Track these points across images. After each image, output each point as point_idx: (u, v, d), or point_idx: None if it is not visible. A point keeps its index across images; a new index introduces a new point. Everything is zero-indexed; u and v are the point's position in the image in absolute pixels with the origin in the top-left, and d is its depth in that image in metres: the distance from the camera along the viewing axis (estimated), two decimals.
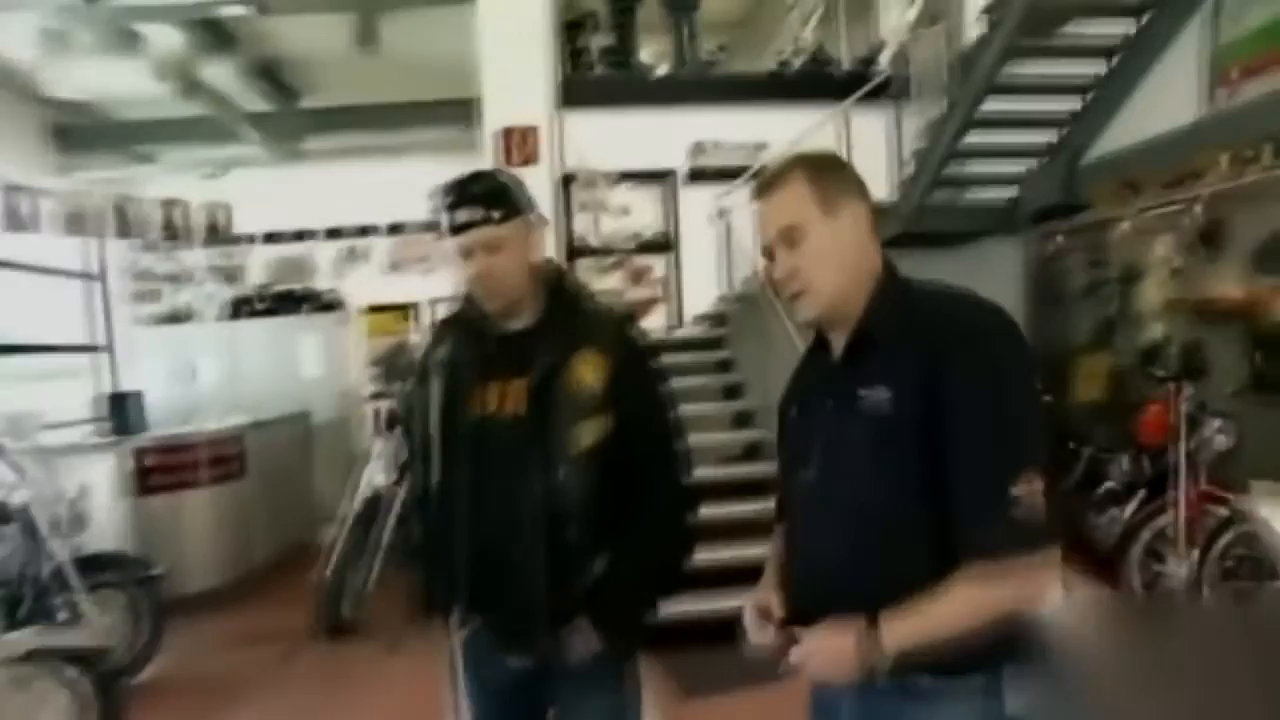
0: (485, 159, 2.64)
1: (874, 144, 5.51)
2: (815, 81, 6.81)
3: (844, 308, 1.13)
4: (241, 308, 6.64)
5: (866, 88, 5.66)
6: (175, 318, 6.73)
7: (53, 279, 6.11)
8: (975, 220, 5.55)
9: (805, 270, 1.11)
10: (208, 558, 4.77)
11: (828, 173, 1.14)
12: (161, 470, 4.55)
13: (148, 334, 6.67)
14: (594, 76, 6.98)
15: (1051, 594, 1.04)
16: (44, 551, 3.36)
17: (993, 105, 4.86)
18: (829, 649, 1.06)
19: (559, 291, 1.52)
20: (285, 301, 6.71)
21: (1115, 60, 4.72)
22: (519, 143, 2.57)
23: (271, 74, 5.90)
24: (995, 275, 5.41)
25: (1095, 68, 4.80)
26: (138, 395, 4.76)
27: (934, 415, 1.01)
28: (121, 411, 4.57)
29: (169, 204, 4.83)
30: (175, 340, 6.57)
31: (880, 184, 5.41)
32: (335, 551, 4.08)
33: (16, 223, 4.43)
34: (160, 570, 3.77)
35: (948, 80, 5.06)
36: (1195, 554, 3.01)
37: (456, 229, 1.42)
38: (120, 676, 3.26)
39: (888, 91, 5.79)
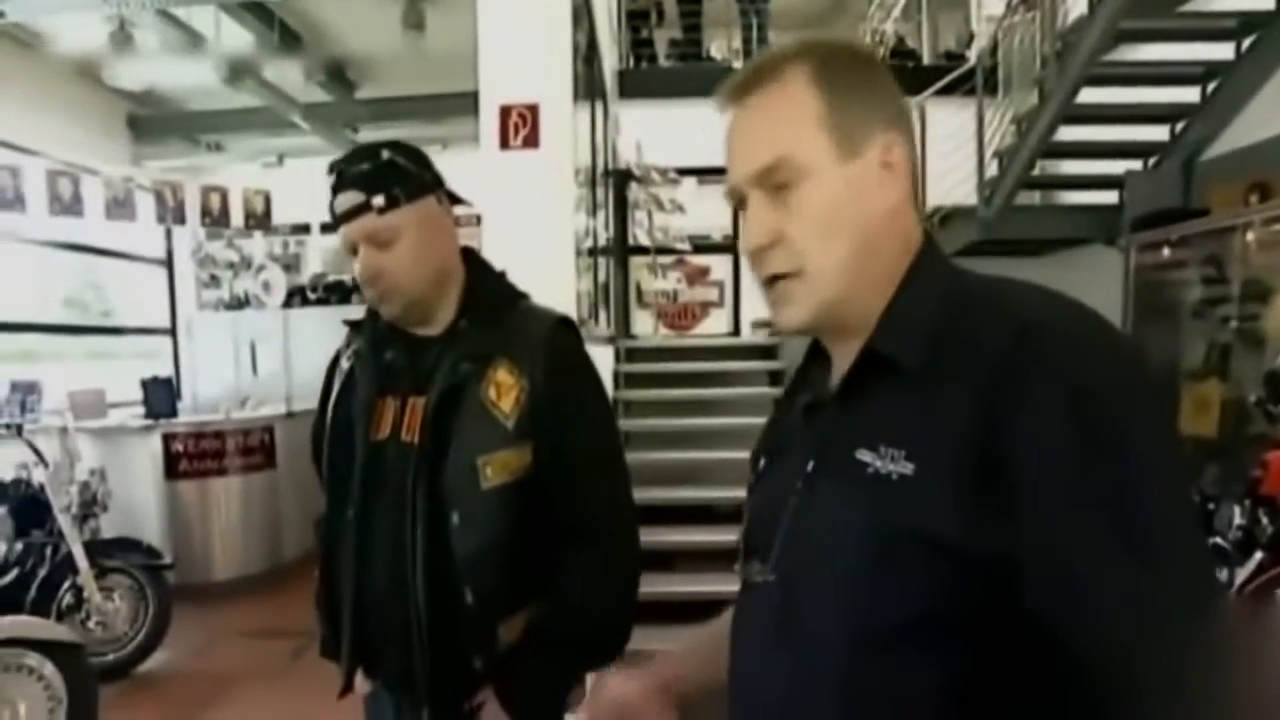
0: (485, 142, 2.37)
1: (955, 141, 5.00)
2: (894, 75, 6.33)
3: (851, 309, 0.68)
4: (296, 296, 6.70)
5: (946, 79, 5.16)
6: (236, 304, 6.85)
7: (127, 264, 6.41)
8: (1069, 226, 4.97)
9: (794, 237, 0.67)
10: (235, 547, 4.76)
11: (847, 69, 0.68)
12: (189, 456, 4.55)
13: (209, 319, 6.83)
14: (655, 68, 6.75)
15: None
16: (57, 534, 3.35)
17: (1093, 96, 4.30)
18: None
19: (481, 292, 1.22)
20: (338, 291, 6.73)
21: (1245, 43, 4.07)
22: (518, 123, 2.29)
23: (328, 66, 5.93)
24: (1091, 289, 4.66)
25: (1221, 52, 4.16)
26: (167, 380, 4.80)
27: (985, 517, 0.56)
28: (155, 395, 4.60)
29: (209, 190, 4.86)
30: (235, 326, 6.68)
31: (961, 185, 4.92)
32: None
33: (107, 210, 4.54)
34: (168, 560, 3.71)
35: (1041, 69, 4.52)
36: None
37: (336, 220, 1.14)
38: (102, 665, 3.22)
39: (972, 83, 5.27)
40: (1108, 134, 4.68)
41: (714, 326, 7.29)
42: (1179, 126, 4.48)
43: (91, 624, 3.46)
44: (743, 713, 0.76)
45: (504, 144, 2.36)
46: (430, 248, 1.16)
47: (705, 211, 6.61)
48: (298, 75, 5.67)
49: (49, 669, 2.61)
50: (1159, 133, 4.57)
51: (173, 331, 6.92)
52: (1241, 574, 2.94)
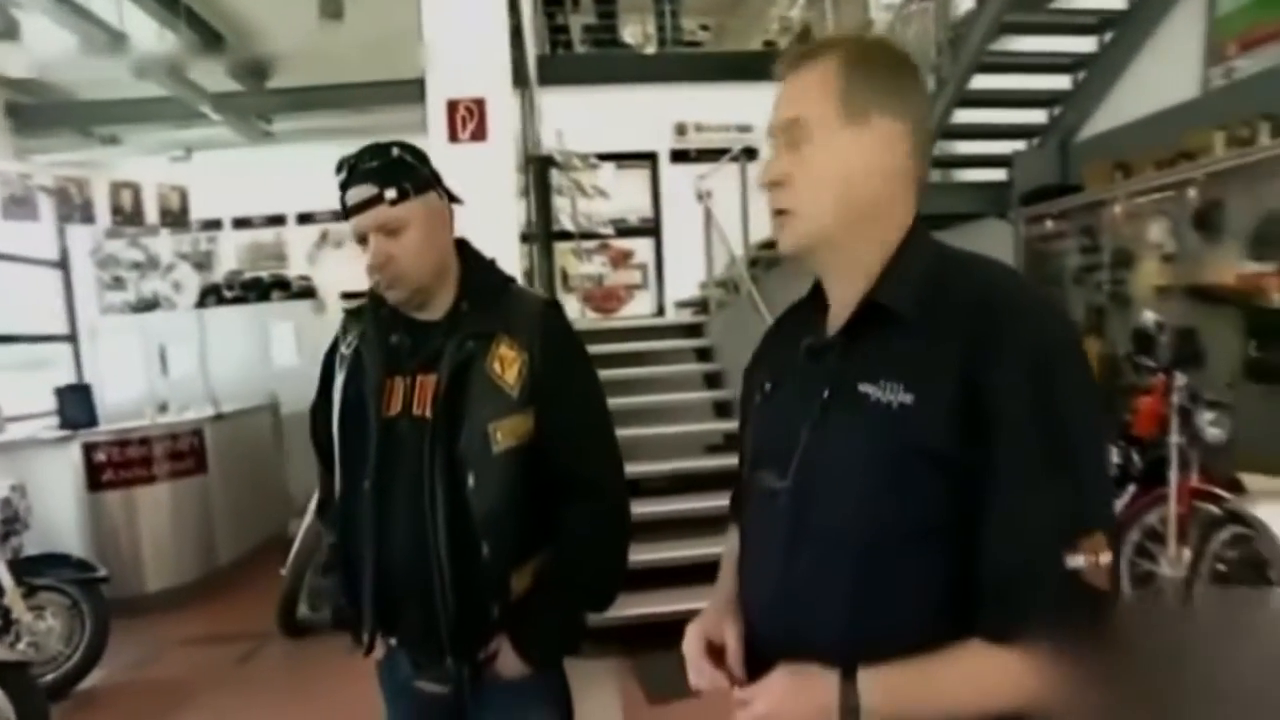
0: (434, 135, 2.43)
1: None
2: None
3: (838, 254, 0.85)
4: (210, 295, 6.44)
5: None
6: (144, 306, 6.51)
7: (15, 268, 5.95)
8: (965, 201, 5.38)
9: (797, 181, 0.83)
10: (167, 556, 4.60)
11: (872, 66, 0.83)
12: (113, 466, 4.37)
13: (115, 323, 6.47)
14: (573, 55, 6.79)
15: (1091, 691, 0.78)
16: None
17: (983, 83, 4.68)
18: (792, 710, 0.79)
19: (476, 279, 1.35)
20: (256, 288, 6.51)
21: (1109, 35, 4.54)
22: (465, 117, 2.37)
23: (240, 56, 5.67)
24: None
25: (1088, 44, 4.62)
26: (85, 388, 4.57)
27: (965, 435, 0.73)
28: (71, 404, 4.38)
29: (120, 187, 4.61)
30: (143, 329, 6.37)
31: None
32: (293, 549, 3.91)
33: (4, 209, 4.22)
34: (103, 572, 3.59)
35: (936, 57, 4.87)
36: (1187, 554, 2.86)
37: (348, 211, 1.25)
38: (52, 686, 3.11)
39: None
40: (996, 117, 5.10)
41: (639, 308, 7.46)
42: (1056, 111, 4.93)
43: (23, 645, 3.32)
44: (752, 602, 0.92)
45: (452, 137, 2.43)
46: (433, 238, 1.27)
47: (624, 196, 6.73)
48: (208, 64, 5.40)
49: None
50: (1040, 116, 5.02)
51: (72, 337, 6.52)
52: (1120, 503, 3.37)
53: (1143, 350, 3.52)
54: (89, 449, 4.32)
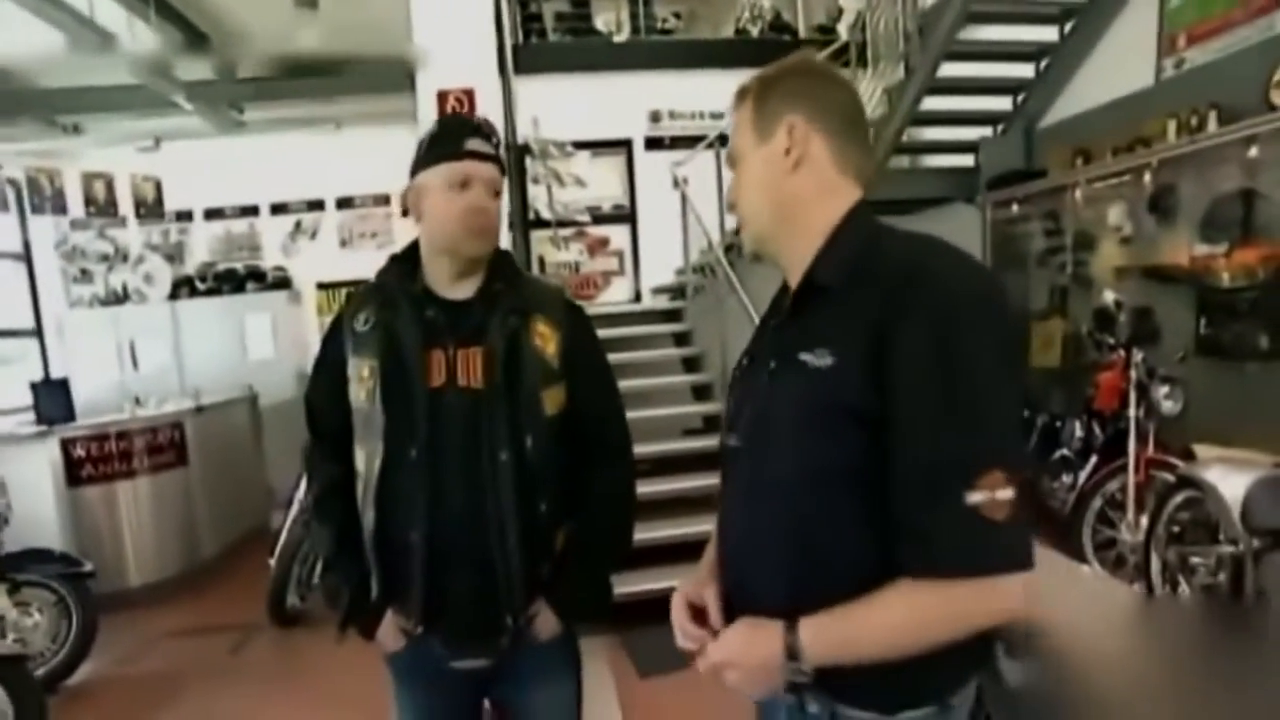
0: (421, 125, 2.46)
1: None
2: (772, 49, 6.65)
3: (784, 246, 0.99)
4: (183, 287, 6.34)
5: (823, 54, 5.55)
6: (114, 299, 6.39)
7: None
8: (934, 186, 5.52)
9: (739, 197, 1.03)
10: (150, 550, 4.58)
11: (776, 85, 0.99)
12: (92, 461, 4.33)
13: (84, 317, 6.34)
14: (547, 43, 6.77)
15: (1007, 620, 0.86)
16: None
17: (951, 71, 4.81)
18: (744, 657, 0.90)
19: (504, 263, 1.44)
20: (230, 280, 6.42)
21: (1069, 25, 4.69)
22: (455, 107, 2.41)
23: (205, 39, 5.56)
24: (954, 242, 5.40)
25: (1050, 34, 4.77)
26: (63, 382, 4.50)
27: (878, 390, 0.83)
28: (47, 400, 4.32)
29: (93, 177, 4.53)
30: (113, 323, 6.25)
31: None
32: (280, 540, 3.93)
33: None
34: (89, 567, 3.57)
35: (905, 46, 4.98)
36: (1145, 519, 3.03)
37: (469, 153, 1.32)
38: (42, 681, 3.11)
39: (846, 57, 5.70)
40: (963, 104, 5.23)
41: (617, 295, 7.50)
42: (1020, 98, 5.09)
43: (9, 641, 3.31)
44: (722, 547, 1.05)
45: None
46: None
47: (600, 183, 6.76)
48: (175, 50, 5.29)
49: None
50: (1005, 103, 5.17)
51: (38, 332, 6.38)
52: (1082, 475, 3.55)
53: (1103, 328, 3.69)
54: (67, 444, 4.27)
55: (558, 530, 1.38)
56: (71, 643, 3.52)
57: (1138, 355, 3.35)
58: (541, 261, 7.28)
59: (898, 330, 0.82)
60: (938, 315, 0.82)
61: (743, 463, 1.00)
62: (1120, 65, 4.41)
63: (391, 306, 1.36)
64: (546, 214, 6.71)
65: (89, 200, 4.53)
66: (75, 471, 4.29)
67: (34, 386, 4.38)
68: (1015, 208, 4.91)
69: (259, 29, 5.45)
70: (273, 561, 3.94)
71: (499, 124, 2.65)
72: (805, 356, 0.89)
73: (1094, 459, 3.55)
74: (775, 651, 0.87)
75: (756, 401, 0.98)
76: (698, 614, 1.03)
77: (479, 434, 1.30)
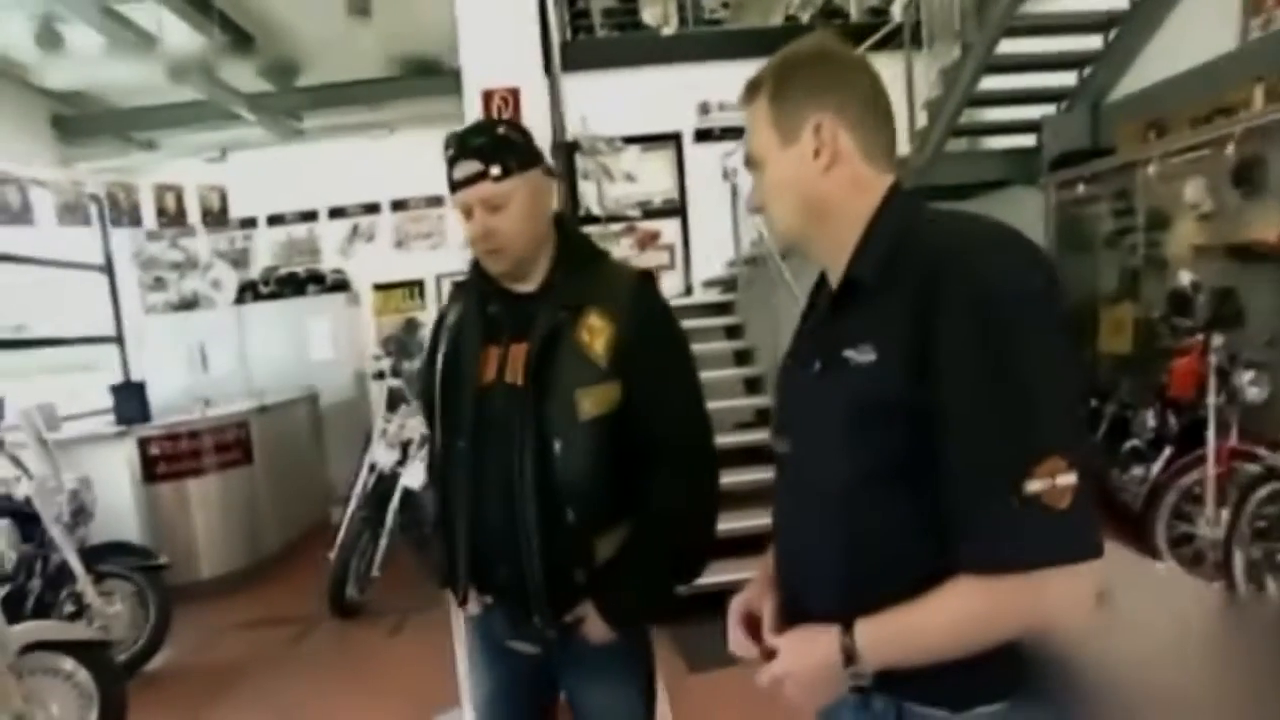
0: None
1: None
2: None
3: (821, 246, 0.94)
4: (248, 292, 6.61)
5: (875, 37, 5.40)
6: (185, 305, 6.72)
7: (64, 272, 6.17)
8: (994, 169, 5.32)
9: (766, 201, 0.97)
10: (218, 544, 4.78)
11: (791, 82, 0.92)
12: (166, 459, 4.55)
13: (158, 322, 6.68)
14: (595, 39, 6.79)
15: (1078, 613, 0.80)
16: (49, 544, 3.37)
17: (1010, 47, 4.61)
18: (800, 665, 0.88)
19: (570, 251, 1.39)
20: (291, 284, 6.66)
21: None
22: (500, 107, 2.42)
23: (265, 53, 5.78)
24: (1016, 225, 5.18)
25: (1118, 2, 4.51)
26: (140, 385, 4.75)
27: (923, 382, 0.78)
28: (125, 401, 4.57)
29: (164, 189, 4.77)
30: (185, 328, 6.57)
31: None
32: (340, 534, 4.05)
33: (14, 215, 4.40)
34: (165, 559, 3.76)
35: (962, 24, 4.80)
36: (1225, 514, 2.83)
37: (455, 185, 1.31)
38: (122, 667, 3.27)
39: (900, 38, 5.53)
40: (1024, 82, 5.01)
41: (668, 288, 7.41)
42: (1086, 72, 4.83)
43: (95, 629, 3.50)
44: (779, 554, 1.01)
45: None
46: (533, 212, 1.32)
47: (649, 177, 6.74)
48: (240, 67, 5.52)
49: (78, 669, 2.68)
50: (1069, 79, 4.93)
51: (118, 338, 6.74)
52: (1156, 466, 3.35)
53: (1179, 311, 3.47)
54: (143, 443, 4.50)
55: (600, 537, 1.31)
56: (149, 631, 3.70)
57: (1218, 339, 3.14)
58: None
59: (939, 317, 0.78)
60: (980, 299, 0.77)
61: (793, 467, 0.97)
62: (1199, 30, 4.14)
63: (466, 304, 1.40)
64: (597, 210, 6.74)
65: (161, 211, 4.77)
66: (151, 469, 4.52)
67: (113, 389, 4.63)
68: (1081, 188, 4.66)
69: (314, 38, 5.62)
70: (332, 556, 4.06)
71: (545, 123, 2.65)
72: (849, 353, 0.85)
73: (1168, 450, 3.34)
74: (832, 656, 0.84)
75: (803, 404, 0.95)
76: (754, 623, 1.00)
77: (512, 433, 1.28)
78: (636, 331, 1.29)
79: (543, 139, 2.66)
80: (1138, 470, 3.54)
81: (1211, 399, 3.05)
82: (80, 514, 3.59)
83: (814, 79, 0.92)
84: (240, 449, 4.93)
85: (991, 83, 4.84)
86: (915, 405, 0.79)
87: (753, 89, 0.96)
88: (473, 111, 2.43)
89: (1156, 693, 1.16)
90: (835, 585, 0.89)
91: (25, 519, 3.39)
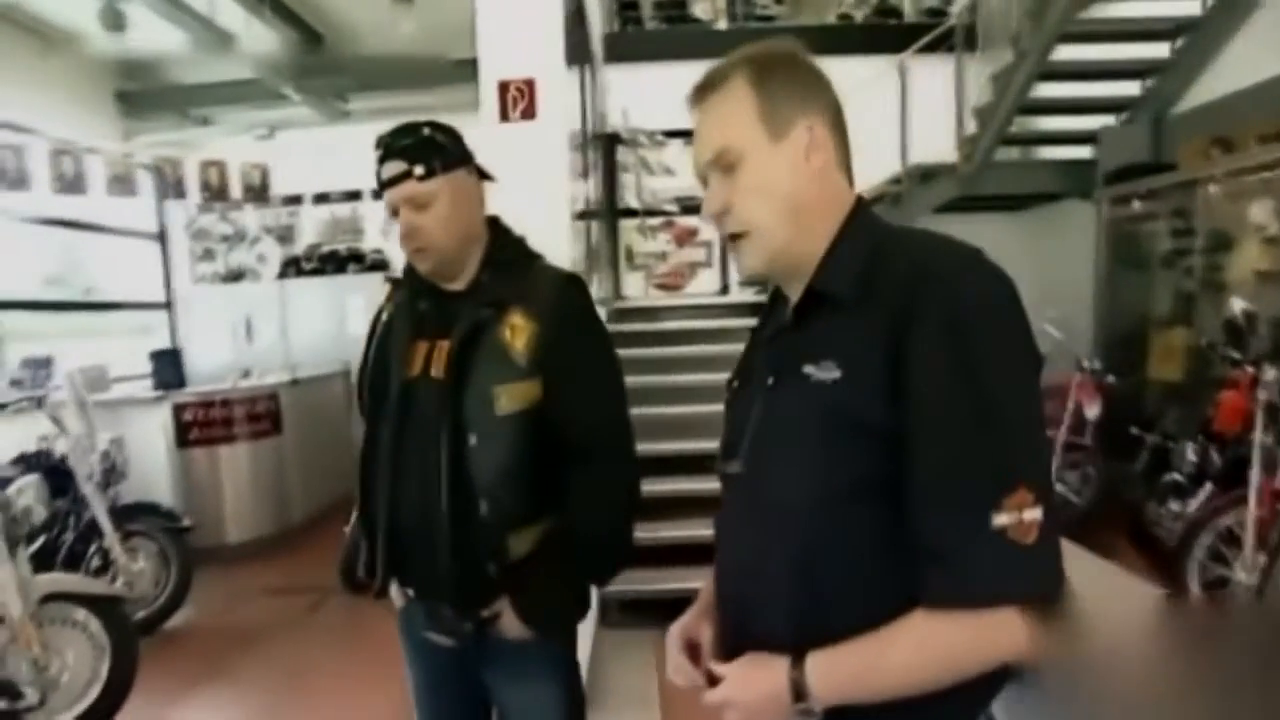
0: (485, 116, 2.49)
1: (936, 98, 5.09)
2: (876, 34, 6.38)
3: (795, 257, 0.87)
4: (291, 267, 6.77)
5: (926, 38, 5.24)
6: (232, 277, 6.92)
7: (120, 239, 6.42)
8: (1046, 180, 5.12)
9: (743, 207, 0.86)
10: (246, 510, 4.92)
11: (778, 76, 0.86)
12: (199, 425, 4.69)
13: (205, 292, 6.90)
14: (642, 31, 6.75)
15: (1034, 650, 0.77)
16: (81, 501, 3.51)
17: (1067, 54, 4.41)
18: (744, 696, 0.84)
19: (500, 251, 1.41)
20: (333, 261, 6.81)
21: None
22: (516, 97, 2.41)
23: (311, 32, 5.90)
24: (1066, 241, 4.99)
25: (1189, 8, 4.27)
26: (176, 352, 4.91)
27: (894, 406, 0.76)
28: (163, 367, 4.73)
29: (208, 165, 4.92)
30: (230, 299, 6.77)
31: (941, 142, 5.03)
32: (355, 508, 4.12)
33: (68, 184, 4.58)
34: (188, 522, 3.88)
35: (1017, 27, 4.61)
36: (1264, 557, 2.67)
37: (382, 185, 1.34)
38: (138, 623, 3.40)
39: (953, 40, 5.35)
40: (1082, 90, 4.79)
41: (704, 286, 7.41)
42: (1150, 82, 4.60)
43: (119, 584, 3.64)
44: (722, 577, 0.97)
45: (503, 117, 2.47)
46: (460, 212, 1.34)
47: (688, 172, 6.67)
48: (284, 45, 5.65)
49: (92, 621, 2.80)
50: (1131, 88, 4.70)
51: (168, 305, 6.99)
52: (1194, 503, 3.18)
53: (1231, 341, 3.28)
54: (178, 409, 4.65)
55: (514, 532, 1.31)
56: (170, 590, 3.84)
57: (1270, 373, 2.95)
58: (629, 251, 7.28)
59: (909, 340, 0.75)
60: (950, 321, 0.75)
61: (743, 490, 0.92)
62: (1272, 41, 3.90)
63: (400, 298, 1.44)
64: (634, 203, 6.70)
65: (205, 185, 4.92)
66: (184, 434, 4.67)
67: (152, 355, 4.80)
68: (1137, 204, 4.45)
69: (362, 23, 5.71)
70: (347, 530, 4.13)
71: (573, 112, 2.61)
72: (809, 369, 0.82)
73: (1209, 486, 3.16)
74: (779, 690, 0.80)
75: (755, 422, 0.90)
76: (693, 650, 0.98)
77: (432, 427, 1.30)
78: (558, 331, 1.31)
79: (559, 129, 2.65)
80: (1175, 505, 3.37)
81: (1258, 436, 2.87)
82: (112, 473, 3.73)
83: (801, 78, 0.88)
84: (270, 420, 5.06)
85: (1046, 90, 4.65)
86: (881, 424, 0.77)
87: (716, 81, 0.88)
88: (489, 103, 2.42)
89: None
90: (785, 611, 0.85)
91: (62, 476, 3.54)
